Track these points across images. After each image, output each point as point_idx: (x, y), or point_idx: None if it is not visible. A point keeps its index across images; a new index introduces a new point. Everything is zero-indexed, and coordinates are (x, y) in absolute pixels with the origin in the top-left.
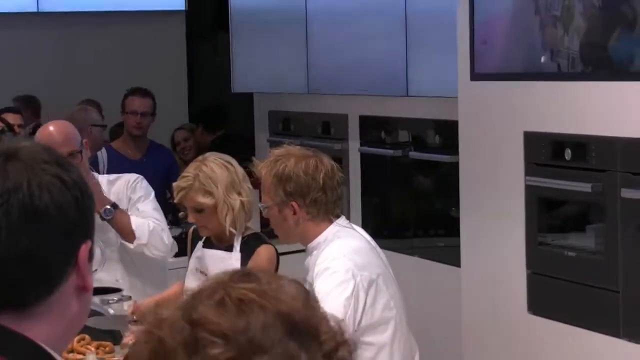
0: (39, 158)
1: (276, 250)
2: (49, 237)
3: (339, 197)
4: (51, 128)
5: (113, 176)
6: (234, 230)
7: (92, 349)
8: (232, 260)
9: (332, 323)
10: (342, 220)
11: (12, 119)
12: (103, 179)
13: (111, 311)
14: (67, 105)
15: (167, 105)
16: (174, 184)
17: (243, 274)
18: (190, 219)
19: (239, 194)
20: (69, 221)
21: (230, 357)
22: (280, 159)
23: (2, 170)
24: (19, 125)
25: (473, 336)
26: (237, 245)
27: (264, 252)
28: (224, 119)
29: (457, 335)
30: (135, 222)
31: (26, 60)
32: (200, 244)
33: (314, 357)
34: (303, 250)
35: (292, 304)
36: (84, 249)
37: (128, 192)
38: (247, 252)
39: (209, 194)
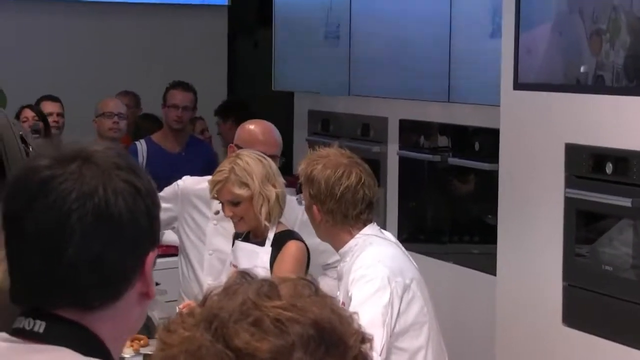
0: (113, 163)
1: (307, 247)
2: (120, 244)
3: (364, 211)
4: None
5: None
6: (268, 224)
7: (128, 342)
8: (262, 254)
9: (352, 321)
10: (372, 227)
11: (51, 107)
12: None
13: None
14: (111, 95)
15: (206, 100)
16: (209, 179)
17: (267, 290)
18: (227, 212)
19: (274, 186)
20: (140, 229)
21: None
22: (316, 160)
23: (79, 174)
24: (58, 114)
25: (506, 346)
26: (269, 240)
27: (290, 247)
28: (261, 116)
29: (490, 344)
30: None
31: (67, 51)
32: (237, 241)
33: None
34: None
35: (321, 313)
36: (150, 256)
37: None
38: (277, 247)
39: (245, 185)
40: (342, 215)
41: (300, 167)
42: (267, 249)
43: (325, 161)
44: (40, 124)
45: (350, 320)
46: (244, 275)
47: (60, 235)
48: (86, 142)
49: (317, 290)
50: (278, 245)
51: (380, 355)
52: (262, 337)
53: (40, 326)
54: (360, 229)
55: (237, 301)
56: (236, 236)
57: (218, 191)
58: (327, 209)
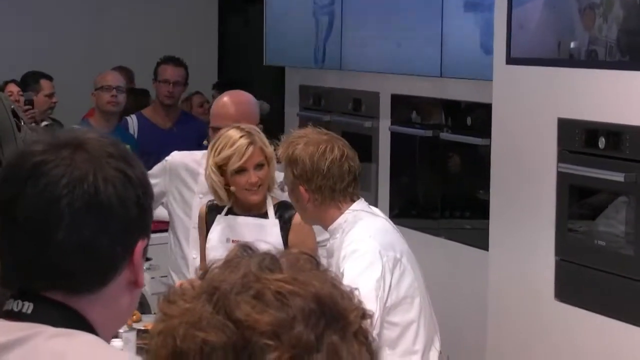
0: (105, 151)
1: None
2: (108, 230)
3: (350, 184)
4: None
5: None
6: (269, 194)
7: None
8: (269, 227)
9: (353, 297)
10: (360, 203)
11: (46, 86)
12: None
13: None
14: (99, 72)
15: (197, 76)
16: (233, 150)
17: (268, 263)
18: (253, 178)
19: None
20: (129, 217)
21: (286, 359)
22: (295, 140)
23: (70, 160)
24: (50, 94)
25: (498, 321)
26: (271, 211)
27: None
28: (252, 91)
29: (482, 319)
30: None
31: (57, 27)
32: (220, 216)
33: (349, 340)
34: None
35: (322, 287)
36: (140, 245)
37: None
38: (282, 218)
39: (266, 145)
40: (330, 190)
41: (280, 151)
42: (274, 221)
43: (306, 140)
44: (33, 94)
45: (352, 296)
46: (246, 249)
47: (50, 219)
48: (82, 131)
49: (318, 265)
50: (281, 217)
51: (373, 329)
52: (263, 310)
53: (28, 307)
54: (348, 204)
55: (238, 274)
56: (215, 211)
57: (250, 154)
58: (314, 187)
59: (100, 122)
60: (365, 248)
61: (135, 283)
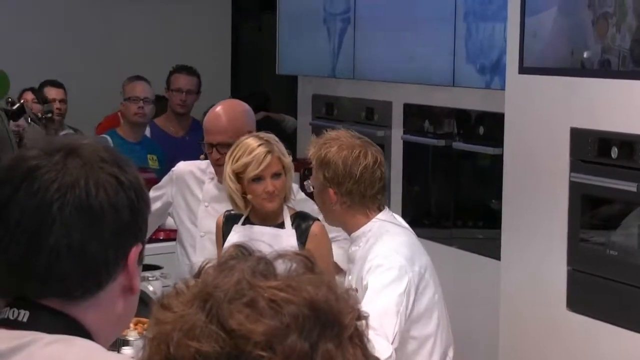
0: (98, 156)
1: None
2: (100, 234)
3: (380, 192)
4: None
5: None
6: (286, 204)
7: (132, 325)
8: (285, 237)
9: (348, 298)
10: (386, 213)
11: (54, 93)
12: None
13: (150, 288)
14: (114, 80)
15: (210, 84)
16: (251, 158)
17: (262, 268)
18: (270, 187)
19: None
20: (122, 222)
21: None
22: (328, 142)
23: (62, 165)
24: (61, 100)
25: (510, 330)
26: (288, 222)
27: (319, 231)
28: (264, 100)
29: (495, 328)
30: None
31: (72, 37)
32: (237, 226)
33: (344, 345)
34: None
35: (317, 292)
36: (134, 251)
37: None
38: (299, 230)
39: (284, 154)
40: (360, 195)
41: (311, 152)
42: (291, 231)
43: (339, 143)
44: (51, 105)
45: (347, 297)
46: (241, 250)
47: (42, 223)
48: (77, 137)
49: (313, 267)
50: (298, 226)
51: (392, 344)
52: (257, 319)
53: (24, 315)
54: (375, 212)
55: (232, 279)
56: (232, 221)
57: (268, 163)
58: (345, 190)
59: (128, 132)
60: (391, 264)
61: (131, 289)
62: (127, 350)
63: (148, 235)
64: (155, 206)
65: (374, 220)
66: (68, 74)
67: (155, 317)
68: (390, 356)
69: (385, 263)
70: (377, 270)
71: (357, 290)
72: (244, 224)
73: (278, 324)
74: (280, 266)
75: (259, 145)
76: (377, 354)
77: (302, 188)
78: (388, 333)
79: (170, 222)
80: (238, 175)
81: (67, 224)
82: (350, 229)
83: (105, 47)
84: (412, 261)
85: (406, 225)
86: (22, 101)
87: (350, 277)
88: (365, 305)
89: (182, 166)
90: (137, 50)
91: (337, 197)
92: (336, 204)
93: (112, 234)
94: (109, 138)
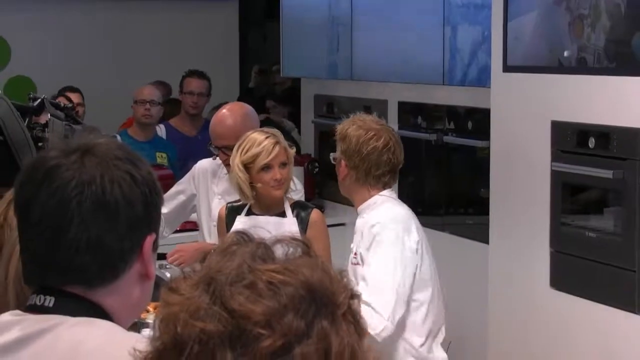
0: (112, 155)
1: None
2: (116, 227)
3: (385, 174)
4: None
5: None
6: (286, 196)
7: (151, 309)
8: (287, 225)
9: (342, 278)
10: (390, 191)
11: (72, 97)
12: None
13: (168, 275)
14: (127, 85)
15: (220, 87)
16: (261, 149)
17: (261, 253)
18: (278, 175)
19: None
20: (136, 214)
21: (279, 346)
22: (353, 121)
23: (80, 163)
24: (78, 104)
25: (498, 308)
26: (289, 211)
27: (318, 217)
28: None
29: (483, 306)
30: None
31: (88, 45)
32: (240, 216)
33: (338, 322)
34: None
35: (312, 274)
36: (148, 240)
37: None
38: (299, 218)
39: (288, 147)
40: (364, 172)
41: (339, 126)
42: (292, 220)
43: (361, 123)
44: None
45: (340, 277)
46: (242, 236)
47: (61, 219)
48: (93, 137)
49: (309, 251)
50: (298, 214)
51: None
52: (256, 300)
53: (50, 301)
54: (379, 190)
55: (234, 264)
56: (234, 212)
57: (276, 153)
58: (352, 164)
59: (137, 133)
60: (388, 233)
61: (147, 275)
62: (146, 332)
63: (176, 226)
64: (179, 199)
65: (377, 196)
66: (86, 81)
67: (164, 300)
68: (384, 329)
69: (383, 232)
70: (375, 239)
71: (356, 254)
72: (247, 214)
73: (276, 304)
74: (279, 250)
75: (267, 138)
76: (370, 329)
77: (308, 176)
78: (386, 308)
79: (192, 215)
80: (247, 166)
81: (85, 219)
82: (356, 203)
83: (120, 56)
84: (408, 230)
85: (406, 206)
86: (43, 96)
87: (352, 245)
88: (367, 267)
89: (202, 163)
90: (151, 59)
91: (347, 170)
92: (345, 176)
93: (127, 226)
94: (118, 137)
